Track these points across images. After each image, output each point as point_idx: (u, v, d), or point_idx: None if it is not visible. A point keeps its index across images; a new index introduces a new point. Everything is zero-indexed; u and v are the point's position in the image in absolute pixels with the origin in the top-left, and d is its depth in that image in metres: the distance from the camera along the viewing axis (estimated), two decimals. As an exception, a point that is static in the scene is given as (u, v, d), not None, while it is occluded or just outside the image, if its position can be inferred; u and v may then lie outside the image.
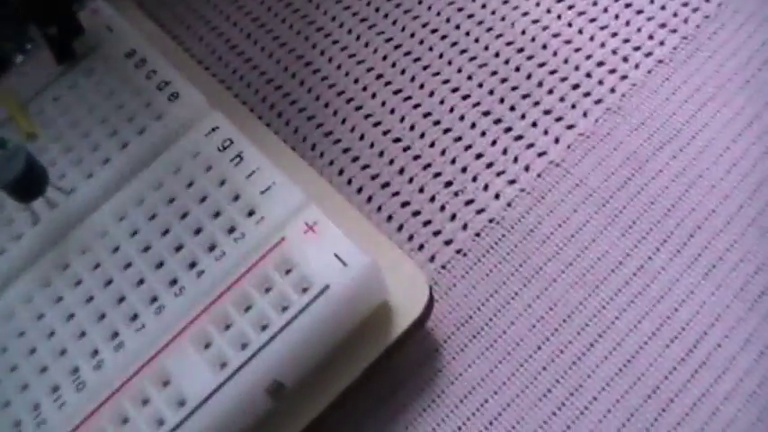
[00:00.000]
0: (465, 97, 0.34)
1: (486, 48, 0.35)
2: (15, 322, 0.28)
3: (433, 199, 0.32)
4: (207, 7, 0.39)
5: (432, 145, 0.33)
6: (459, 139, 0.33)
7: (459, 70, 0.34)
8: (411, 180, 0.33)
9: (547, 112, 0.33)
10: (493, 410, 0.28)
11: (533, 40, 0.35)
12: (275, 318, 0.26)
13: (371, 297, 0.27)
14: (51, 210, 0.30)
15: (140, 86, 0.31)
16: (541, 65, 0.34)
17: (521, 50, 0.35)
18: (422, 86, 0.34)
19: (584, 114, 0.33)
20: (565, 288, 0.30)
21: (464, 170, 0.32)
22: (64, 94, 0.32)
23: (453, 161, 0.33)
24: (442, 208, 0.32)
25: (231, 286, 0.27)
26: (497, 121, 0.33)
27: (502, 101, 0.33)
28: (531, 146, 0.32)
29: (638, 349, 0.28)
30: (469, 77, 0.34)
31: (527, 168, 0.32)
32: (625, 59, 0.34)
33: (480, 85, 0.34)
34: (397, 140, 0.33)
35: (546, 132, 0.33)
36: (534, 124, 0.33)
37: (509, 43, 0.35)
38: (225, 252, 0.27)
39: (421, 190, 0.32)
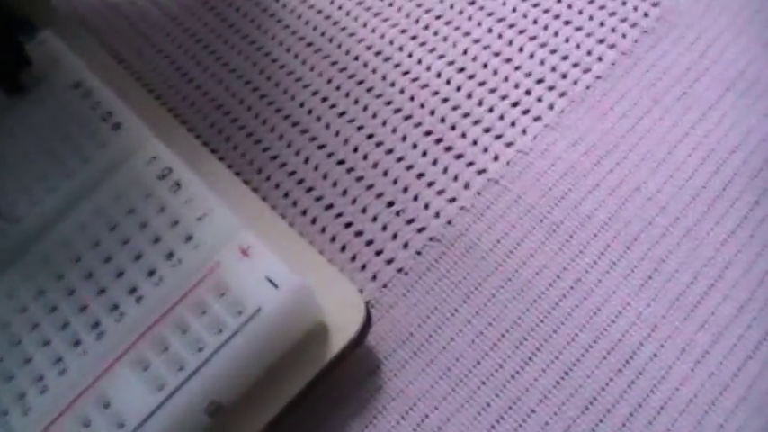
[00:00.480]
0: (407, 118, 0.35)
1: (429, 68, 0.36)
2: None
3: (375, 219, 0.33)
4: (158, 35, 0.40)
5: (374, 166, 0.34)
6: (402, 159, 0.34)
7: (402, 91, 0.35)
8: (354, 201, 0.33)
9: (487, 131, 0.34)
10: (433, 425, 0.29)
11: (474, 59, 0.36)
12: (210, 340, 0.27)
13: (305, 318, 0.28)
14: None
15: (86, 117, 0.32)
16: (482, 84, 0.35)
17: (462, 70, 0.35)
18: (365, 108, 0.35)
19: (524, 131, 0.33)
20: (503, 303, 0.30)
21: (405, 190, 0.33)
22: (13, 125, 0.33)
23: (395, 181, 0.33)
24: (384, 228, 0.33)
25: (169, 310, 0.27)
26: (438, 141, 0.34)
27: (443, 120, 0.34)
28: (471, 164, 0.33)
29: (575, 361, 0.29)
30: (411, 98, 0.35)
31: (467, 186, 0.33)
32: (564, 76, 0.34)
33: (422, 106, 0.35)
34: (341, 162, 0.34)
35: (486, 150, 0.33)
36: (474, 143, 0.33)
37: (450, 63, 0.36)
38: (163, 277, 0.28)
39: (363, 210, 0.33)
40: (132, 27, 0.41)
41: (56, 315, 0.29)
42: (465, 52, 0.36)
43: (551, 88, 0.34)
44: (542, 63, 0.35)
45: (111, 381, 0.27)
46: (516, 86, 0.34)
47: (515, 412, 0.29)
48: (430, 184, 0.33)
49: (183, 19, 0.40)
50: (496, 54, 0.35)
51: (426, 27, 0.37)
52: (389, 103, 0.35)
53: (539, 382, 0.29)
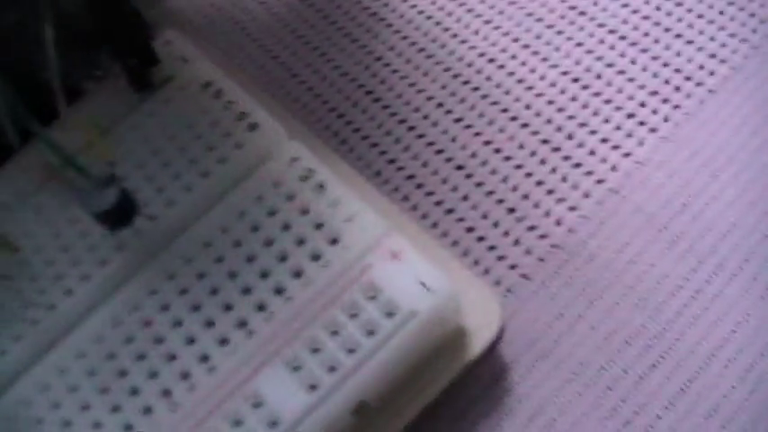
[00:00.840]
0: (524, 126, 0.35)
1: (543, 78, 0.36)
2: (104, 346, 0.29)
3: (496, 225, 0.33)
4: (269, 38, 0.41)
5: (493, 172, 0.34)
6: (520, 166, 0.34)
7: (517, 99, 0.36)
8: (475, 207, 0.34)
9: (603, 141, 0.34)
10: (560, 429, 0.29)
11: (588, 70, 0.36)
12: (364, 342, 0.27)
13: (451, 321, 0.28)
14: (135, 236, 0.31)
15: (218, 117, 0.32)
16: (596, 94, 0.36)
17: (576, 80, 0.36)
18: (482, 115, 0.36)
19: (640, 143, 0.34)
20: (627, 311, 0.31)
21: (525, 197, 0.34)
22: (142, 123, 0.33)
23: (515, 188, 0.34)
24: (506, 234, 0.33)
25: (320, 312, 0.28)
26: (556, 150, 0.34)
27: (559, 129, 0.35)
28: (589, 173, 0.34)
29: (698, 369, 0.30)
30: (527, 107, 0.36)
31: (587, 195, 0.33)
32: (677, 89, 0.35)
33: (538, 114, 0.35)
34: (460, 168, 0.35)
35: (604, 161, 0.34)
36: (592, 153, 0.34)
37: (565, 73, 0.36)
38: (312, 278, 0.28)
39: (484, 216, 0.34)
40: (241, 29, 0.41)
41: (200, 313, 0.29)
42: (578, 63, 0.36)
43: (666, 101, 0.35)
44: (655, 76, 0.36)
45: (263, 380, 0.27)
46: (630, 98, 0.35)
47: (641, 417, 0.29)
48: (549, 192, 0.34)
49: (291, 20, 0.41)
50: (609, 65, 0.36)
51: (538, 37, 0.37)
52: (505, 110, 0.36)
53: (663, 388, 0.30)
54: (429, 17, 0.39)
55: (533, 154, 0.34)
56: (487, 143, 0.35)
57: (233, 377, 0.28)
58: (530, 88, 0.36)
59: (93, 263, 0.31)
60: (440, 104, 0.36)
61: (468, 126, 0.36)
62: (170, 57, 0.34)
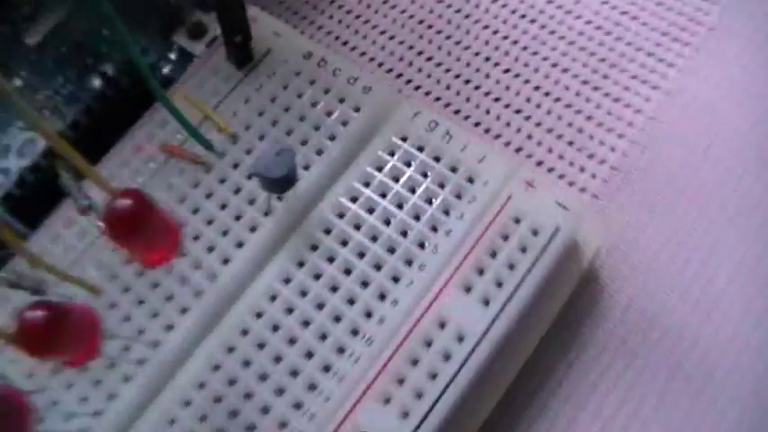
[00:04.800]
0: (564, 71, 0.41)
1: (571, 28, 0.42)
2: (265, 319, 0.31)
3: (561, 157, 0.39)
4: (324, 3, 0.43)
5: (548, 112, 0.40)
6: (570, 105, 0.40)
7: (554, 48, 0.41)
8: (540, 143, 0.39)
9: (633, 77, 0.40)
10: (650, 316, 0.36)
11: (618, 23, 0.42)
12: (520, 257, 0.31)
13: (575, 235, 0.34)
14: (279, 201, 0.33)
15: (329, 83, 0.35)
16: (619, 39, 0.42)
17: (599, 28, 0.42)
18: (526, 65, 0.41)
19: (664, 77, 0.40)
20: (682, 208, 0.37)
21: (580, 131, 0.39)
22: (252, 96, 0.35)
23: (570, 124, 0.39)
24: (571, 164, 0.39)
25: (477, 240, 0.32)
26: (596, 89, 0.40)
27: (595, 71, 0.41)
28: (628, 106, 0.40)
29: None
30: (564, 54, 0.41)
31: (630, 124, 0.39)
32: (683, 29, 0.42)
33: (574, 60, 0.41)
34: (518, 112, 0.40)
35: (637, 94, 0.40)
36: (626, 88, 0.40)
37: (589, 22, 0.42)
38: (462, 213, 0.32)
39: (550, 150, 0.39)
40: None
41: (341, 292, 0.31)
42: (606, 18, 0.42)
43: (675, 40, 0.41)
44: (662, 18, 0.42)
45: (445, 304, 0.31)
46: (647, 39, 0.41)
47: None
48: (599, 125, 0.39)
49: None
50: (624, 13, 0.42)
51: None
52: (546, 58, 0.41)
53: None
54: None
55: (578, 94, 0.40)
56: (537, 88, 0.40)
57: (415, 308, 0.31)
58: (562, 38, 0.42)
59: (244, 229, 0.33)
60: (487, 58, 0.41)
61: (517, 75, 0.41)
62: (261, 32, 0.36)
